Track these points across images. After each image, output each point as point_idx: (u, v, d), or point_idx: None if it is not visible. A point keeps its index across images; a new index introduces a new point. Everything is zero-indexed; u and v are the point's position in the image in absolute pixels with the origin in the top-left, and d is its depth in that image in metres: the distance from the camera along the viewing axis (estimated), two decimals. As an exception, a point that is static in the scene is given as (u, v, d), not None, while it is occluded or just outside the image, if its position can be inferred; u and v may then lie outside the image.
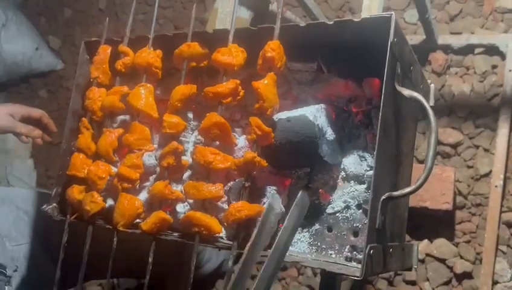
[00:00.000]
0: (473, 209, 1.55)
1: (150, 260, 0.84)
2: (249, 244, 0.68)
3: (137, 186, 0.92)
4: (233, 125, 0.90)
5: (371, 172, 0.80)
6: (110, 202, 0.94)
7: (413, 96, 0.73)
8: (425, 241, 1.56)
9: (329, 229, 0.82)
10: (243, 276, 0.66)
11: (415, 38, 1.68)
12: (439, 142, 1.56)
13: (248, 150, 0.82)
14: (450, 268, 1.53)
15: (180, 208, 0.89)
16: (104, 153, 0.93)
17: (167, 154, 0.85)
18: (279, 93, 0.81)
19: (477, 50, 1.62)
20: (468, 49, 1.63)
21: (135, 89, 0.92)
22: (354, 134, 0.84)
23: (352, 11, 1.87)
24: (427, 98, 0.93)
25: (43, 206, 0.99)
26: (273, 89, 0.78)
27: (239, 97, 0.84)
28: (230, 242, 0.79)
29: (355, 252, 0.79)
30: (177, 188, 0.89)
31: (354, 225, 0.80)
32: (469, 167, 1.58)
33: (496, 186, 1.47)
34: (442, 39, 1.65)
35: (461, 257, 1.52)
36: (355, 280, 1.50)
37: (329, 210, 0.83)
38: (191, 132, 0.95)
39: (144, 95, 0.91)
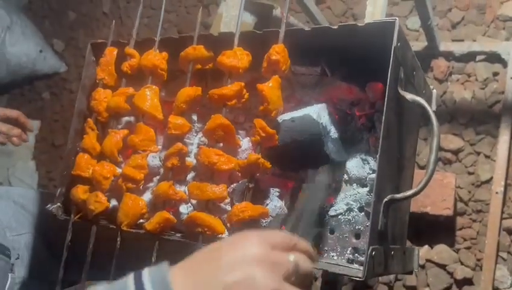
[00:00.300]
0: (473, 215, 1.56)
1: (153, 259, 0.84)
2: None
3: (141, 187, 0.92)
4: (237, 127, 0.91)
5: (374, 175, 0.80)
6: (113, 202, 0.95)
7: (416, 101, 0.74)
8: (426, 246, 1.56)
9: (332, 232, 0.83)
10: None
11: (417, 45, 1.69)
12: (440, 148, 1.57)
13: (252, 152, 0.83)
14: (451, 274, 1.53)
15: (184, 209, 0.90)
16: (109, 154, 0.94)
17: (172, 155, 0.86)
18: (283, 96, 0.82)
19: (478, 57, 1.63)
20: (469, 57, 1.65)
21: (141, 91, 0.93)
22: (356, 137, 0.85)
23: (355, 18, 1.89)
24: (429, 103, 0.94)
25: (47, 206, 1.00)
26: (277, 91, 0.79)
27: (243, 99, 0.85)
28: (234, 243, 0.80)
29: (357, 255, 0.79)
30: (181, 189, 0.90)
31: (356, 227, 0.81)
32: (470, 173, 1.58)
33: (497, 192, 1.48)
34: (444, 46, 1.66)
35: (462, 263, 1.53)
36: (355, 284, 1.50)
37: (331, 212, 0.83)
38: (195, 134, 0.95)
39: (149, 97, 0.92)
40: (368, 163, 0.83)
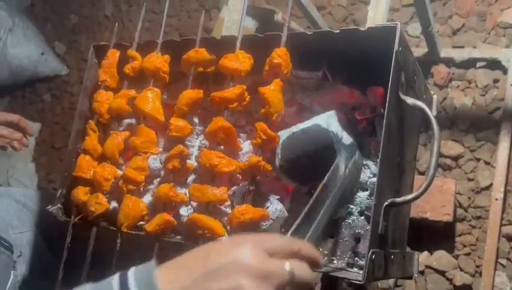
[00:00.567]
0: (473, 221, 1.55)
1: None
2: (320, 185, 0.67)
3: (142, 188, 0.93)
4: (239, 130, 0.91)
5: (374, 179, 0.81)
6: (113, 204, 0.95)
7: (417, 105, 0.75)
8: (425, 252, 1.56)
9: (331, 235, 0.83)
10: (309, 218, 0.65)
11: (417, 51, 1.69)
12: (440, 154, 1.57)
13: (253, 155, 0.83)
14: (450, 280, 1.53)
15: (184, 211, 0.90)
16: (110, 155, 0.94)
17: (173, 157, 0.86)
18: (284, 100, 0.82)
19: (479, 64, 1.64)
20: (470, 63, 1.65)
21: (143, 93, 0.93)
22: (357, 141, 0.85)
23: (355, 23, 1.90)
24: (430, 108, 0.94)
25: (48, 207, 1.00)
26: (279, 94, 0.80)
27: (245, 103, 0.85)
28: (233, 246, 0.80)
29: (356, 258, 0.80)
30: (181, 192, 0.90)
31: (356, 231, 0.81)
32: (470, 179, 1.58)
33: (497, 199, 1.48)
34: (445, 52, 1.66)
35: (461, 270, 1.53)
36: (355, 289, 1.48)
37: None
38: (196, 136, 0.96)
39: (151, 99, 0.92)
40: (369, 167, 0.83)
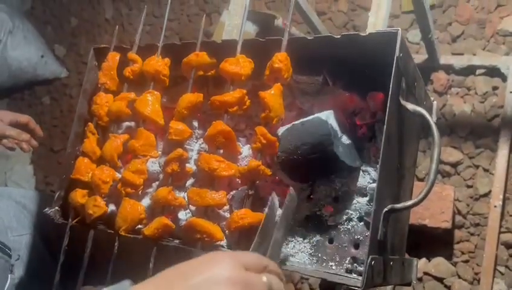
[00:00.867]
0: (471, 229, 1.55)
1: (151, 265, 0.84)
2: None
3: (140, 192, 0.92)
4: (238, 135, 0.91)
5: (373, 185, 0.80)
6: (111, 207, 0.95)
7: (417, 111, 0.75)
8: (424, 259, 1.56)
9: (331, 241, 0.82)
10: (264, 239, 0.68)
11: (417, 57, 1.70)
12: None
13: (252, 159, 0.83)
14: (448, 288, 1.52)
15: (182, 215, 0.90)
16: (109, 158, 0.94)
17: (172, 160, 0.86)
18: (284, 104, 0.82)
19: (478, 71, 1.64)
20: (469, 70, 1.65)
21: (142, 96, 0.93)
22: (357, 146, 0.85)
23: (355, 29, 1.90)
24: (430, 114, 0.94)
25: (45, 209, 1.00)
26: (279, 99, 0.80)
27: (245, 106, 0.85)
28: (232, 251, 0.80)
29: (355, 264, 0.79)
30: (180, 196, 0.90)
31: (356, 237, 0.81)
32: (468, 186, 1.58)
33: (495, 206, 1.48)
34: (444, 59, 1.67)
35: (459, 277, 1.52)
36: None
37: (330, 222, 0.83)
38: (196, 140, 0.95)
39: (150, 102, 0.92)
40: (369, 173, 0.83)
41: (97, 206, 0.90)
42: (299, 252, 0.84)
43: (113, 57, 1.01)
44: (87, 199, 0.94)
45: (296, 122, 0.81)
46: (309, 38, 0.82)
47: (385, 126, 0.71)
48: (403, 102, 0.75)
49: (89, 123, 1.01)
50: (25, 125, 1.17)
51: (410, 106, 0.75)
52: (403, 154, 0.84)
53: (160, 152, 0.94)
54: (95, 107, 0.98)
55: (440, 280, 1.53)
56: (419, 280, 1.55)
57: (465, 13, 1.73)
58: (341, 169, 0.81)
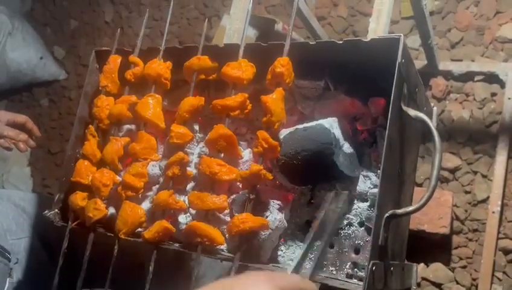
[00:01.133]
0: (469, 234, 1.56)
1: (151, 269, 0.84)
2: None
3: (141, 195, 0.92)
4: (239, 139, 0.91)
5: (374, 190, 0.81)
6: (112, 210, 0.95)
7: (419, 117, 0.75)
8: (422, 265, 1.56)
9: (331, 246, 0.82)
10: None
11: (416, 63, 1.69)
12: (438, 167, 1.57)
13: (253, 163, 0.83)
14: (446, 293, 1.53)
15: (183, 218, 0.89)
16: (109, 161, 0.93)
17: (173, 164, 0.86)
18: (286, 109, 0.82)
19: (477, 77, 1.65)
20: (468, 76, 1.66)
21: (144, 99, 0.93)
22: (358, 152, 0.85)
23: (355, 34, 1.91)
24: (430, 119, 0.95)
25: (45, 212, 1.00)
26: (281, 103, 0.80)
27: (246, 111, 0.85)
28: (232, 255, 0.80)
29: (356, 269, 0.79)
30: (180, 199, 0.90)
31: (356, 242, 0.81)
32: (467, 192, 1.59)
33: (493, 212, 1.48)
34: (443, 65, 1.68)
35: (457, 282, 1.52)
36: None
37: (331, 226, 0.83)
38: (196, 144, 0.95)
39: (152, 105, 0.92)
40: (370, 179, 0.83)
41: (97, 209, 0.90)
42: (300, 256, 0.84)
43: (115, 60, 1.01)
44: (87, 201, 0.93)
45: (299, 126, 0.81)
46: (311, 43, 0.82)
47: (387, 132, 0.71)
48: (404, 108, 0.76)
49: (90, 126, 1.00)
50: (23, 126, 1.17)
51: (412, 112, 0.75)
52: (403, 159, 0.84)
53: (161, 155, 0.94)
54: (96, 110, 0.98)
55: (438, 285, 1.53)
56: (418, 285, 1.55)
57: (464, 20, 1.74)
58: (340, 177, 0.81)
